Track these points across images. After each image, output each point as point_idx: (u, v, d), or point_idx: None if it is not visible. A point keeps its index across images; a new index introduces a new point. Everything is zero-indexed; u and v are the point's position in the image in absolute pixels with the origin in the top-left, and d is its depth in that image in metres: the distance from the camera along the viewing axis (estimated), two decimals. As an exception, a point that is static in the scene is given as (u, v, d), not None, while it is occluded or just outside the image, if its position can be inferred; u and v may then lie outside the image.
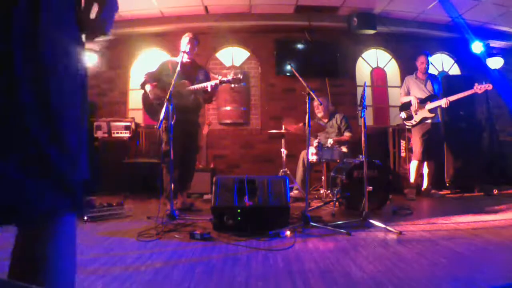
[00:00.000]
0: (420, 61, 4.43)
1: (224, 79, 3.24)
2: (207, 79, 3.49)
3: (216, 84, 3.23)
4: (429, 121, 4.28)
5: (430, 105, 4.24)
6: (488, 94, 5.01)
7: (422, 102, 4.28)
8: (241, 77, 3.20)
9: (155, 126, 3.37)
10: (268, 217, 2.63)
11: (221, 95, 5.36)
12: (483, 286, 1.51)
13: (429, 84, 4.36)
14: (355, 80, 5.73)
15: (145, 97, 3.51)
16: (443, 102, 4.12)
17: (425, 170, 4.42)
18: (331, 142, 3.95)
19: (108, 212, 3.14)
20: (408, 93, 4.44)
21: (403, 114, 4.42)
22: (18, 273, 0.71)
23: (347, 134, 4.39)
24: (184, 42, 3.44)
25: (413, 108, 4.30)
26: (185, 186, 3.60)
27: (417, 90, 4.36)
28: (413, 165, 4.36)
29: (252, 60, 5.72)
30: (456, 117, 4.88)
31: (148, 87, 3.43)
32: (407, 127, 4.43)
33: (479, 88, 3.98)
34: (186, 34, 3.49)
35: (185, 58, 3.36)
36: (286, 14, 5.34)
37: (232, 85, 3.31)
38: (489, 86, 3.95)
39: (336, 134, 4.43)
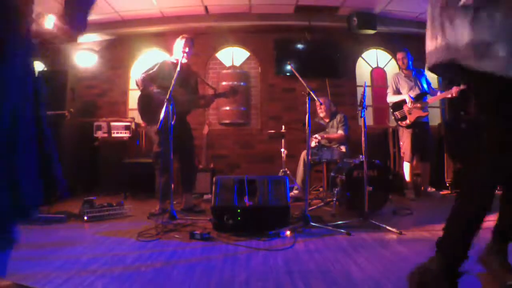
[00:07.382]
0: (399, 58, 4.41)
1: (220, 93, 3.62)
2: (196, 86, 3.66)
3: (211, 97, 3.58)
4: (420, 120, 4.23)
5: (440, 96, 4.17)
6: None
7: (416, 100, 4.19)
8: (236, 88, 3.58)
9: (154, 128, 3.32)
10: (268, 217, 2.63)
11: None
12: (483, 286, 1.50)
13: (417, 81, 4.29)
14: (355, 80, 5.73)
15: (144, 100, 3.42)
16: (454, 91, 3.93)
17: (423, 170, 4.42)
18: (323, 136, 3.97)
19: (108, 212, 3.14)
20: (396, 92, 4.37)
21: (396, 115, 4.36)
22: None
23: (339, 132, 4.25)
24: (181, 44, 3.40)
25: (406, 107, 4.22)
26: (189, 187, 3.59)
27: (407, 88, 4.29)
28: (406, 167, 4.33)
29: (252, 60, 5.72)
30: (456, 117, 4.88)
31: (156, 91, 3.33)
32: (400, 127, 4.38)
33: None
34: (182, 36, 3.46)
35: (184, 60, 3.35)
36: (286, 14, 5.34)
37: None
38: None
39: None
